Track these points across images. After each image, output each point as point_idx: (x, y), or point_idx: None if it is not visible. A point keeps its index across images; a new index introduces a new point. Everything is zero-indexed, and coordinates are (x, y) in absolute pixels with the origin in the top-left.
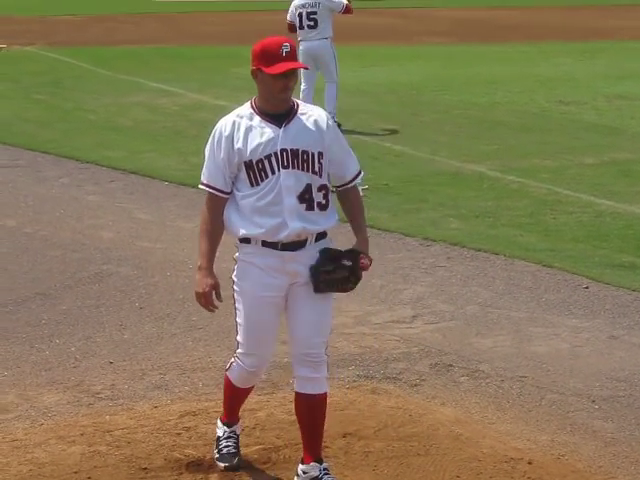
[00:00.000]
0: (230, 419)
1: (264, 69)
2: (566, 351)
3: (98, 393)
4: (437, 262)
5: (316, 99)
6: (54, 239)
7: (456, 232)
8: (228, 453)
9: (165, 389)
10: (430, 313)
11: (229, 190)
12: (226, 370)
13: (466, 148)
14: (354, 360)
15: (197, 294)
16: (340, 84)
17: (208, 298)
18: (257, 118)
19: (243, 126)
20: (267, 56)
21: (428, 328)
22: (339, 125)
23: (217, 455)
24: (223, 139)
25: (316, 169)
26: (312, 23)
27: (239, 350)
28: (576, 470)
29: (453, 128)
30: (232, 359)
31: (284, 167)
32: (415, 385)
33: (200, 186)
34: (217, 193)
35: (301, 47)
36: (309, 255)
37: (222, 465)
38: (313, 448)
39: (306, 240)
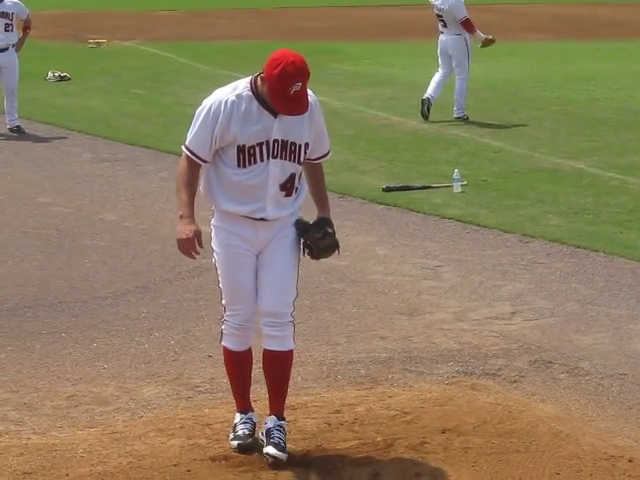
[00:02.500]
0: (243, 406)
1: (269, 93)
2: None
3: (197, 386)
4: (536, 259)
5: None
6: (153, 233)
7: (555, 229)
8: (243, 433)
9: (263, 383)
10: (529, 310)
11: (209, 160)
12: (220, 341)
13: (565, 144)
14: (453, 356)
15: (181, 241)
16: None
17: (192, 243)
18: (255, 103)
19: (242, 109)
20: (278, 86)
21: (527, 325)
22: (467, 118)
23: (232, 436)
24: (221, 116)
25: (301, 160)
26: (442, 23)
27: (226, 313)
28: None
29: (552, 124)
30: (222, 327)
31: (273, 157)
32: (514, 381)
33: (183, 149)
34: (198, 161)
35: (439, 38)
36: (279, 224)
37: (235, 443)
38: (277, 402)
39: None
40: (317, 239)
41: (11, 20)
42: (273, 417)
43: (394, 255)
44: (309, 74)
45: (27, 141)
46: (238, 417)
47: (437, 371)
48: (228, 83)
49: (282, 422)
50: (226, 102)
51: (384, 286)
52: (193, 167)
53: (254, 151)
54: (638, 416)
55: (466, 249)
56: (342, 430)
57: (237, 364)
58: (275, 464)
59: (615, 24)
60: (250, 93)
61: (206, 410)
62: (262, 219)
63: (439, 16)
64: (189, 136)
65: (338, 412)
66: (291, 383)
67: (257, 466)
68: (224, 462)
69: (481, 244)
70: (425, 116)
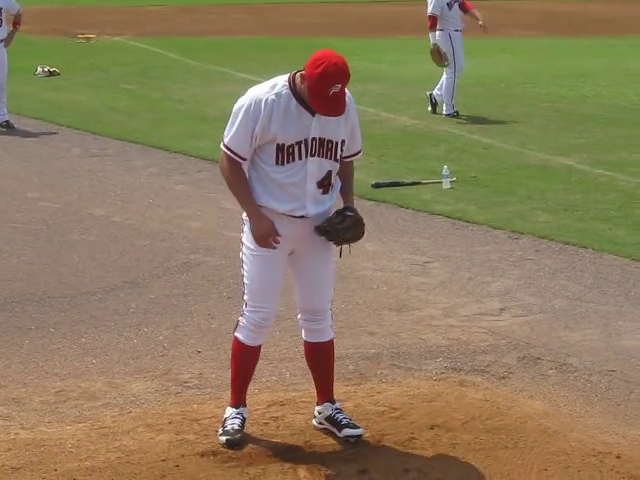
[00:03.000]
0: (237, 401)
1: (308, 92)
2: None
3: (186, 382)
4: (525, 255)
5: None
6: (142, 228)
7: (544, 225)
8: (232, 429)
9: (253, 379)
10: (518, 306)
11: (249, 158)
12: (234, 331)
13: (554, 141)
14: (442, 352)
15: (261, 237)
16: (457, 75)
17: (273, 234)
18: (294, 102)
19: (282, 107)
20: (317, 86)
21: (516, 321)
22: (457, 114)
23: (221, 431)
24: (261, 114)
25: (337, 157)
26: None
27: (247, 308)
28: None
29: (541, 121)
30: (239, 318)
31: (311, 155)
32: (503, 378)
33: (222, 148)
34: (238, 159)
35: None
36: (314, 222)
37: (224, 439)
38: (325, 390)
39: None
40: (336, 223)
41: (0, 15)
42: (327, 404)
43: (383, 251)
44: (349, 77)
45: (16, 136)
46: (229, 411)
47: (426, 367)
48: (218, 79)
49: (336, 404)
50: (266, 101)
51: (373, 282)
52: (235, 165)
53: (293, 150)
54: (626, 412)
55: (455, 245)
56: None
57: (245, 358)
58: (357, 442)
59: (605, 21)
60: (289, 91)
61: (194, 406)
62: (302, 217)
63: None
64: (227, 135)
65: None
66: (279, 379)
67: (245, 462)
68: (212, 457)
69: (470, 240)
70: (431, 111)
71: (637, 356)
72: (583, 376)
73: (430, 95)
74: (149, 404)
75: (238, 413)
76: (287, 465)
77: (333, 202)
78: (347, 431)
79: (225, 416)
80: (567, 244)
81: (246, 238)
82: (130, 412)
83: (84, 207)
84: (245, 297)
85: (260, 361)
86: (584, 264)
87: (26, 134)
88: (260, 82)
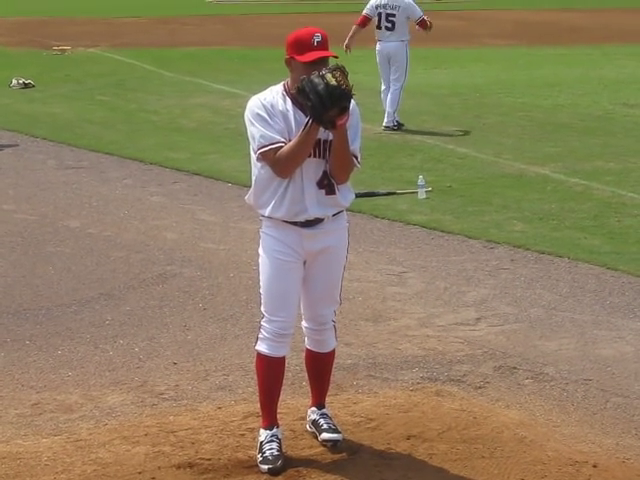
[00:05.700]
0: (269, 421)
1: (296, 57)
2: (631, 354)
3: (162, 394)
4: (501, 264)
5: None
6: (118, 240)
7: (520, 234)
8: (272, 455)
9: (229, 390)
10: (494, 315)
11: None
12: (255, 346)
13: (530, 150)
14: (418, 362)
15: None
16: (404, 86)
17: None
18: (289, 102)
19: (280, 108)
20: (299, 45)
21: (492, 330)
22: (401, 125)
23: (260, 458)
24: (278, 112)
25: None
26: (390, 25)
27: (264, 319)
28: None
29: (516, 130)
30: (258, 333)
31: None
32: (479, 387)
33: (263, 151)
34: (281, 144)
35: (377, 47)
36: (326, 232)
37: (265, 468)
38: (316, 395)
39: (324, 218)
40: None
41: None
42: (314, 409)
43: (359, 261)
44: (326, 34)
45: None
46: (263, 435)
47: (402, 377)
48: (193, 90)
49: (323, 410)
50: (265, 99)
51: (349, 292)
52: (279, 151)
53: None
54: (602, 422)
55: (431, 255)
56: (307, 437)
57: (270, 371)
58: (334, 446)
59: (579, 30)
60: (284, 93)
61: (171, 417)
62: (307, 222)
63: (389, 17)
64: (257, 140)
65: (303, 419)
66: (255, 390)
67: (222, 473)
68: (189, 469)
69: (446, 250)
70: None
71: (613, 365)
72: (559, 385)
73: (391, 127)
74: (125, 416)
75: (273, 435)
76: (264, 476)
77: (348, 203)
78: (325, 435)
79: (260, 440)
80: (543, 253)
81: (261, 248)
82: (106, 424)
83: (59, 219)
84: (261, 308)
85: (236, 372)
86: (560, 273)
87: (1, 146)
88: (236, 93)
